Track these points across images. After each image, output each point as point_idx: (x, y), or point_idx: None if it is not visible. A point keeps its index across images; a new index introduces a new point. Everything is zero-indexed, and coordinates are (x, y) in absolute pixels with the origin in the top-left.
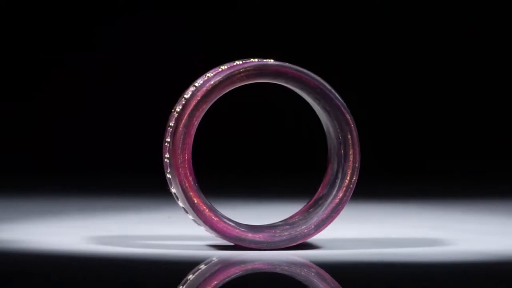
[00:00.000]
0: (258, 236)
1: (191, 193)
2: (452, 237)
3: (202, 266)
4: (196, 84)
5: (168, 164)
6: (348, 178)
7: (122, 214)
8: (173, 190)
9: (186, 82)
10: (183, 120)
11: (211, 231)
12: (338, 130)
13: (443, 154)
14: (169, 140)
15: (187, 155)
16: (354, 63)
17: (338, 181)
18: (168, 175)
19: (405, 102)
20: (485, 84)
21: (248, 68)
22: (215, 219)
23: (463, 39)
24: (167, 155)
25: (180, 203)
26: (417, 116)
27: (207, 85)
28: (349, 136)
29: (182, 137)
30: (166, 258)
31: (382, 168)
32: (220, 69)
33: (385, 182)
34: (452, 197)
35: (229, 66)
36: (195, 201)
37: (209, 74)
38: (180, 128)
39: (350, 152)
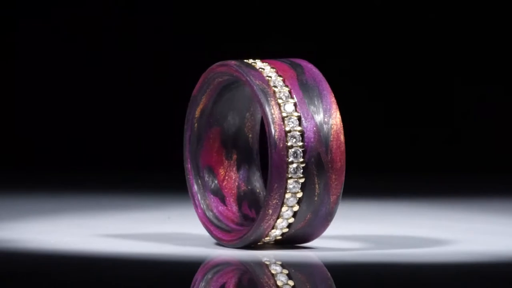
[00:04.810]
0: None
1: None
2: (452, 237)
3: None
4: (279, 87)
5: (322, 173)
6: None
7: (122, 214)
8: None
9: (185, 81)
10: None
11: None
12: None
13: (443, 153)
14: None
15: None
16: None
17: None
18: (316, 184)
19: (402, 99)
20: (486, 84)
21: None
22: None
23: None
24: (310, 161)
25: (323, 212)
26: (415, 115)
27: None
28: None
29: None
30: (164, 258)
31: (381, 167)
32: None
33: (384, 181)
34: (452, 197)
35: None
36: None
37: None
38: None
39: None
